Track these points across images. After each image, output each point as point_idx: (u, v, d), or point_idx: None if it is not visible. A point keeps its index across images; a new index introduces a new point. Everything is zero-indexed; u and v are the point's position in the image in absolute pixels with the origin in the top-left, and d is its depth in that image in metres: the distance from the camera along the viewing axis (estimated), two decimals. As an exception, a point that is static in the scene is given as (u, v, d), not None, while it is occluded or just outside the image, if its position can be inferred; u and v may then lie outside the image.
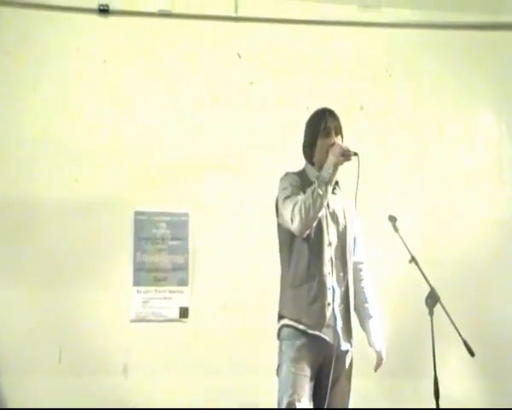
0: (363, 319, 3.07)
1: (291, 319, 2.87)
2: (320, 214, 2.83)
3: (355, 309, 3.02)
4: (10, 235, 4.24)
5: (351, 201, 3.01)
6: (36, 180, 4.33)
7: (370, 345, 3.03)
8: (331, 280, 2.88)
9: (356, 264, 3.09)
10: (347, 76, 4.73)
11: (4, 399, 3.95)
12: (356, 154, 2.86)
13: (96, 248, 4.31)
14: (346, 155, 2.84)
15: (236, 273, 4.37)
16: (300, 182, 2.95)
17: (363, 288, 3.10)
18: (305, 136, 3.09)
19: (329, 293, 2.86)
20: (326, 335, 2.82)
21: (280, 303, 2.97)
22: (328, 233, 2.92)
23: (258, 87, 4.66)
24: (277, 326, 2.94)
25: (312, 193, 2.79)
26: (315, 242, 2.89)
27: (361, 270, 3.12)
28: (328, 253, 2.90)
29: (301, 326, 2.83)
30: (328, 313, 2.84)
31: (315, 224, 2.85)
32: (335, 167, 2.83)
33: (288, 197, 2.90)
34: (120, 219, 4.37)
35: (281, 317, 2.93)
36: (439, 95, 4.83)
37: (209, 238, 4.44)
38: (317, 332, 2.82)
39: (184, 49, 4.65)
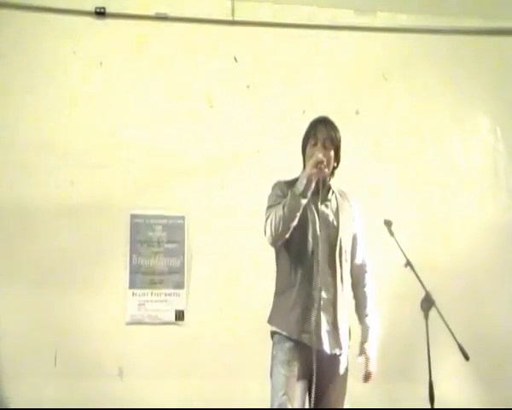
0: (360, 323, 3.06)
1: (274, 326, 2.95)
2: (292, 225, 2.83)
3: (356, 312, 3.06)
4: (6, 238, 4.23)
5: (352, 202, 3.10)
6: (32, 183, 4.32)
7: (359, 353, 3.00)
8: (315, 285, 2.88)
9: (360, 267, 3.10)
10: (343, 80, 4.75)
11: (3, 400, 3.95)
12: None
13: (92, 250, 4.30)
14: (318, 166, 2.84)
15: (232, 276, 4.38)
16: (287, 191, 2.94)
17: (365, 293, 3.09)
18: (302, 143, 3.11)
19: (311, 298, 2.87)
20: (306, 340, 2.84)
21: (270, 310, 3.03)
22: (313, 239, 2.92)
23: (255, 91, 4.67)
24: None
25: (283, 206, 2.82)
26: (297, 248, 2.93)
27: (366, 272, 3.12)
28: (313, 258, 2.91)
29: (284, 333, 2.89)
30: (311, 317, 2.85)
31: (287, 235, 2.86)
32: (309, 179, 2.82)
33: (268, 207, 2.96)
34: (116, 222, 4.37)
35: (269, 323, 2.99)
36: (435, 99, 4.84)
37: (205, 241, 4.44)
38: (294, 338, 2.85)
39: (181, 53, 4.66)
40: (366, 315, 3.05)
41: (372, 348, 2.99)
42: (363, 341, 3.00)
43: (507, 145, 4.88)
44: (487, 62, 4.90)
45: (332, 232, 2.98)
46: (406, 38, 4.87)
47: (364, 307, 3.06)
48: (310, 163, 2.85)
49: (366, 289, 3.10)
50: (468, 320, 4.16)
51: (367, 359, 2.97)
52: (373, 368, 2.97)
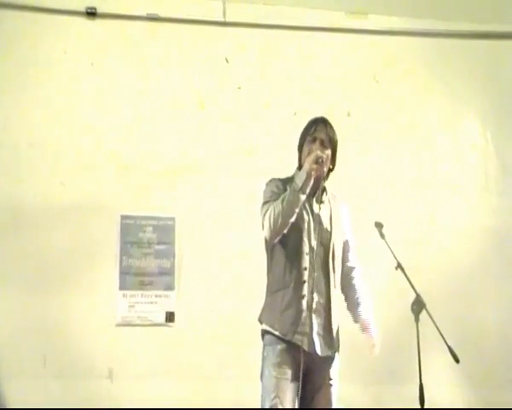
0: (353, 308, 3.02)
1: (267, 325, 2.92)
2: (291, 221, 2.82)
3: (348, 308, 3.03)
4: (-5, 238, 4.22)
5: (343, 206, 3.08)
6: (22, 183, 4.30)
7: (355, 321, 2.98)
8: (309, 287, 2.88)
9: (348, 269, 3.09)
10: (335, 82, 4.75)
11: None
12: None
13: (82, 251, 4.29)
14: (318, 162, 2.85)
15: (223, 278, 4.38)
16: (283, 188, 2.94)
17: (354, 285, 3.06)
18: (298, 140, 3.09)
19: (304, 300, 2.87)
20: (299, 341, 2.84)
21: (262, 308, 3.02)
22: (308, 240, 2.92)
23: (246, 92, 4.67)
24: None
25: (282, 201, 2.81)
26: (292, 248, 2.91)
27: (353, 269, 3.09)
28: (307, 260, 2.90)
29: (276, 332, 2.87)
30: (303, 319, 2.85)
31: (285, 230, 2.84)
32: (308, 175, 2.82)
33: (264, 203, 2.94)
34: (106, 223, 4.35)
35: (260, 322, 2.98)
36: (426, 102, 4.86)
37: (195, 243, 4.43)
38: (288, 338, 2.84)
39: (172, 54, 4.65)
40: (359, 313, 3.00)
41: (367, 314, 2.96)
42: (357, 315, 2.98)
43: (497, 148, 4.90)
44: (478, 66, 4.92)
45: (325, 236, 2.98)
46: (398, 41, 4.88)
47: (357, 305, 3.00)
48: (309, 159, 2.85)
49: (357, 288, 3.06)
50: (458, 323, 4.18)
51: (365, 324, 2.93)
52: (375, 337, 2.92)
